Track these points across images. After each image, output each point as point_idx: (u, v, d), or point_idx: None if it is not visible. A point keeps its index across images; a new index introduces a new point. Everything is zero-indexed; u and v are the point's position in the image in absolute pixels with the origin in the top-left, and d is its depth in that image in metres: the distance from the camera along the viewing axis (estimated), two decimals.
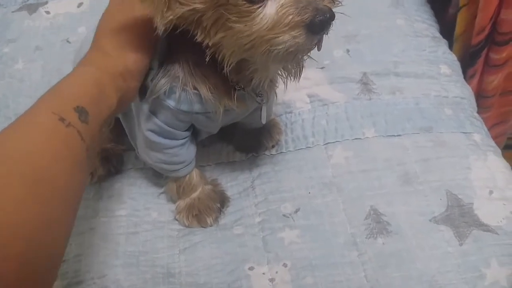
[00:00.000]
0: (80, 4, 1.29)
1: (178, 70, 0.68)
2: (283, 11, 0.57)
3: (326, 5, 0.58)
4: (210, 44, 0.61)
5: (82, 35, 1.17)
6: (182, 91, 0.69)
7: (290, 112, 1.00)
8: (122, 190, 0.92)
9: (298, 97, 1.02)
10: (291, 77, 0.71)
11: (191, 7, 0.58)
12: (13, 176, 0.48)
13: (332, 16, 0.57)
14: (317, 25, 0.57)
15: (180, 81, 0.68)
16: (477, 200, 0.84)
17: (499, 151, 0.94)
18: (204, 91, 0.69)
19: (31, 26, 1.25)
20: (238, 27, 0.58)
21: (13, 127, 0.53)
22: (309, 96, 1.02)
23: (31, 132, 0.53)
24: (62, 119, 0.54)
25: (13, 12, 1.29)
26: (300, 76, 0.71)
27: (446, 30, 1.19)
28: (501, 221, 0.81)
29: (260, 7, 0.57)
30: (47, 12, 1.28)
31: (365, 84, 1.03)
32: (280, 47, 0.58)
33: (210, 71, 0.67)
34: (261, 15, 0.57)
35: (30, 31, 1.24)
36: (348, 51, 1.10)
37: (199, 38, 0.61)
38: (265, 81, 0.71)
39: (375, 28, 1.13)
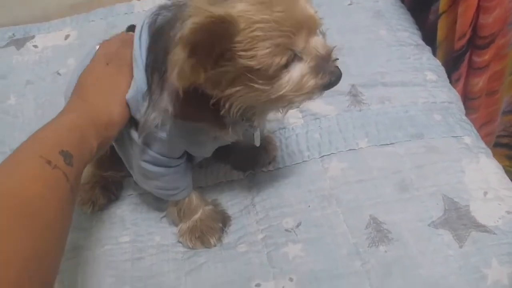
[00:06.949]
0: (67, 36, 1.31)
1: (167, 103, 0.67)
2: (306, 77, 0.63)
3: (336, 67, 0.65)
4: (219, 95, 0.64)
5: (71, 66, 1.18)
6: (172, 123, 0.71)
7: (284, 128, 1.02)
8: (124, 217, 0.93)
9: (290, 112, 1.02)
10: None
11: (223, 69, 0.60)
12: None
13: (340, 75, 0.65)
14: (332, 85, 0.65)
15: (170, 113, 0.68)
16: (473, 202, 0.86)
17: (490, 152, 0.96)
18: (193, 122, 0.71)
19: (20, 61, 1.26)
20: (262, 88, 0.62)
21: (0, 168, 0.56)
22: (301, 111, 1.03)
23: (18, 173, 0.56)
24: (48, 162, 0.57)
25: (0, 48, 1.30)
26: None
27: (429, 36, 1.22)
28: (497, 220, 0.83)
29: (285, 71, 0.62)
30: (35, 46, 1.29)
31: (354, 95, 1.05)
32: (299, 103, 0.66)
33: (199, 102, 0.68)
34: (286, 78, 0.63)
35: (19, 66, 1.25)
36: None
37: (209, 90, 0.64)
38: (261, 119, 0.73)
39: (359, 41, 1.15)
